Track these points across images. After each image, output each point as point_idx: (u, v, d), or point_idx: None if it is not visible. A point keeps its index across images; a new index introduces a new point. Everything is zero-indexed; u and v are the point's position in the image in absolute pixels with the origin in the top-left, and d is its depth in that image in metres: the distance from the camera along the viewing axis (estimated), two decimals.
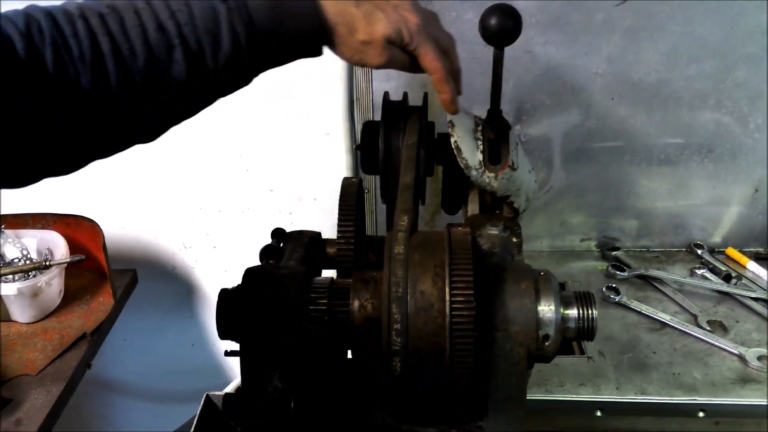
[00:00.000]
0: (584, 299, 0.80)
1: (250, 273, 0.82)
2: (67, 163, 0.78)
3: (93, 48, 0.73)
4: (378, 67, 0.90)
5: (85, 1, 0.77)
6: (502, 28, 1.03)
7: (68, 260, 1.60)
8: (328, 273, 1.05)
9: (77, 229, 1.68)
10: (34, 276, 1.58)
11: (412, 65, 0.94)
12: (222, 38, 0.78)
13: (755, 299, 1.54)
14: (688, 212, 1.74)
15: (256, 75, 0.85)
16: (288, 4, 0.82)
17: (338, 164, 1.76)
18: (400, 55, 0.91)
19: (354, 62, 0.90)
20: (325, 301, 0.80)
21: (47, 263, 1.59)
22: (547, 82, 1.59)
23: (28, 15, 0.72)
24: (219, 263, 2.00)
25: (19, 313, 1.60)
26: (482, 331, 0.75)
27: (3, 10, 0.73)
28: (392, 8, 0.89)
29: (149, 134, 0.82)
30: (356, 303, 0.79)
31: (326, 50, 0.89)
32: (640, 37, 1.52)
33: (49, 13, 0.73)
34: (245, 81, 0.85)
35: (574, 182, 1.71)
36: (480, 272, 0.76)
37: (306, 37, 0.84)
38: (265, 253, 0.96)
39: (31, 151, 0.73)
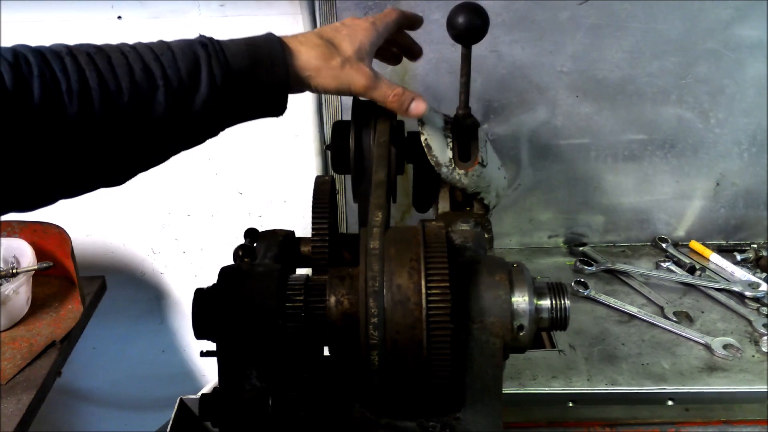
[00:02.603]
0: (557, 290, 0.82)
1: (225, 272, 0.82)
2: (31, 200, 0.79)
3: (80, 82, 0.75)
4: (366, 88, 0.95)
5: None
6: (470, 26, 1.04)
7: (36, 267, 1.57)
8: (303, 271, 1.06)
9: (44, 236, 1.66)
10: (1, 284, 1.56)
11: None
12: (201, 81, 0.82)
13: (719, 290, 1.58)
14: (653, 207, 1.77)
15: (225, 126, 0.90)
16: (262, 52, 0.87)
17: (308, 166, 1.76)
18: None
19: (341, 89, 0.94)
20: (302, 298, 0.80)
21: (14, 271, 1.56)
22: (514, 80, 1.61)
23: (16, 50, 0.74)
24: (189, 268, 1.98)
25: None
26: (458, 323, 0.76)
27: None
28: (345, 28, 0.97)
29: (119, 176, 0.85)
30: (333, 299, 0.80)
31: None
32: (603, 34, 1.55)
33: (37, 49, 0.76)
34: (215, 130, 0.89)
35: (542, 179, 1.74)
36: (455, 266, 0.78)
37: (278, 85, 0.89)
38: (239, 252, 0.96)
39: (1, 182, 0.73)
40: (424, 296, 0.73)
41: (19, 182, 0.74)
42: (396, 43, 1.11)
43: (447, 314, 0.73)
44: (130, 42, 0.83)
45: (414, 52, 1.15)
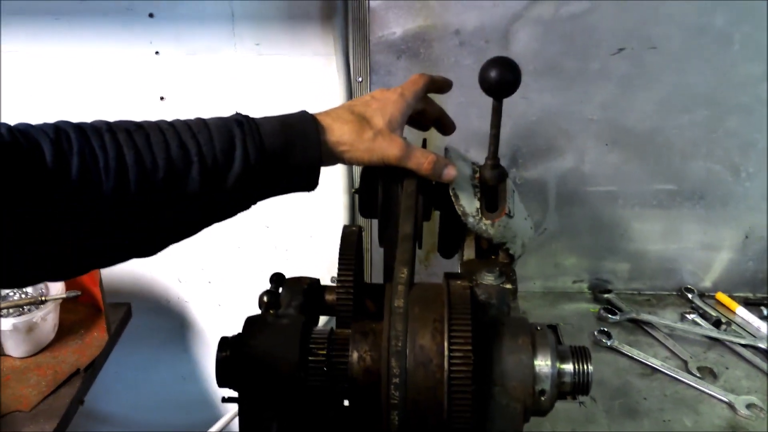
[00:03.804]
0: (580, 354, 0.82)
1: (250, 322, 0.84)
2: (63, 271, 0.81)
3: (118, 159, 0.77)
4: (400, 159, 0.96)
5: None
6: (501, 81, 1.05)
7: (64, 296, 1.60)
8: (326, 319, 1.07)
9: None
10: (30, 311, 1.58)
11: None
12: (235, 158, 0.83)
13: (745, 345, 1.56)
14: (680, 256, 1.76)
15: (257, 201, 0.92)
16: (296, 131, 0.89)
17: (335, 204, 1.78)
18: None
19: (374, 161, 0.96)
20: (325, 352, 0.81)
21: (43, 298, 1.59)
22: (543, 127, 1.61)
23: (58, 127, 0.76)
24: (213, 298, 2.00)
25: (13, 348, 1.60)
26: (479, 385, 0.76)
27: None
28: (375, 102, 0.97)
29: (152, 248, 0.86)
30: (355, 355, 0.80)
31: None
32: (634, 85, 1.55)
33: (78, 126, 0.78)
34: (247, 205, 0.91)
35: (568, 225, 1.73)
36: (477, 326, 0.78)
37: (310, 165, 0.90)
38: (263, 299, 0.97)
39: (40, 254, 0.75)
40: (446, 358, 0.73)
41: (52, 255, 0.76)
42: (426, 116, 1.10)
43: (468, 377, 0.73)
44: (159, 114, 0.84)
45: (445, 125, 1.14)
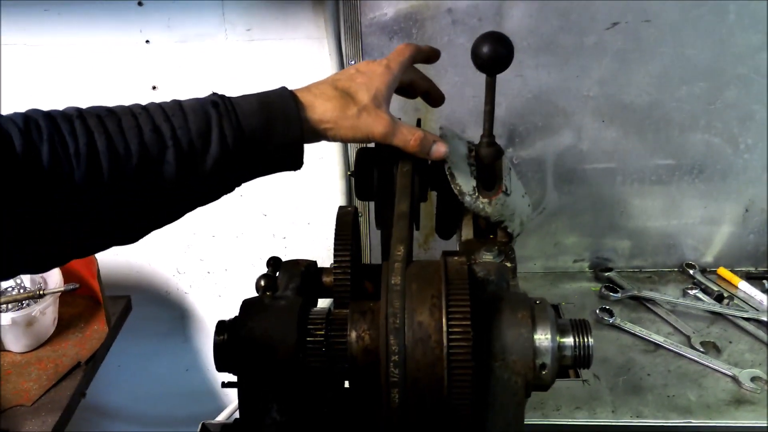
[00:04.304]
0: (580, 327, 0.81)
1: (247, 304, 0.83)
2: (42, 262, 0.79)
3: (89, 145, 0.75)
4: (385, 135, 0.93)
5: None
6: (494, 56, 1.03)
7: (63, 289, 1.59)
8: (324, 301, 1.06)
9: None
10: (28, 305, 1.58)
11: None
12: (212, 141, 0.81)
13: (747, 319, 1.55)
14: (680, 232, 1.75)
15: (240, 183, 0.88)
16: (276, 109, 0.86)
17: (332, 189, 1.77)
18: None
19: (359, 137, 0.93)
20: (323, 332, 0.80)
21: (41, 292, 1.58)
22: (539, 104, 1.60)
23: (27, 116, 0.75)
24: (213, 288, 2.00)
25: (13, 343, 1.59)
26: (480, 361, 0.76)
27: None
28: (360, 75, 0.94)
29: (132, 235, 0.84)
30: (354, 334, 0.79)
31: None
32: (630, 59, 1.54)
33: (48, 114, 0.76)
34: (230, 187, 0.88)
35: (567, 203, 1.72)
36: (477, 302, 0.77)
37: (292, 143, 0.87)
38: (261, 282, 0.96)
39: (14, 246, 0.73)
40: (445, 334, 0.72)
41: (30, 245, 0.74)
42: (414, 87, 1.07)
43: (468, 352, 0.72)
44: (146, 102, 0.82)
45: (434, 97, 1.11)
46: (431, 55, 1.08)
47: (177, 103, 0.83)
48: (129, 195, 0.78)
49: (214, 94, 0.86)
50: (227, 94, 0.87)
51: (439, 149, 0.99)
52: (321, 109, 0.90)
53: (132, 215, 0.81)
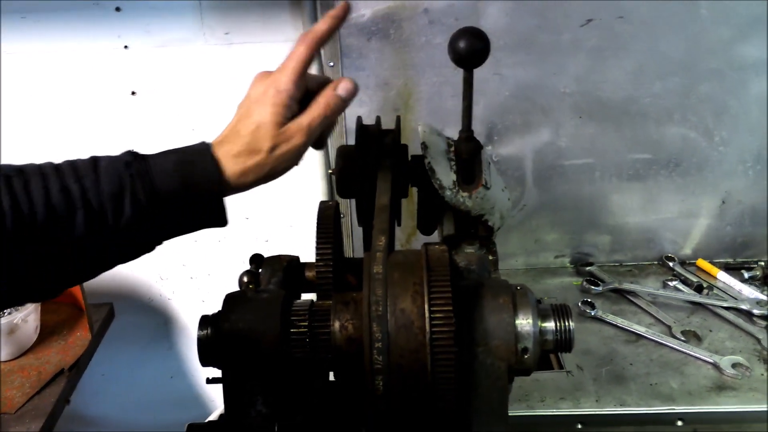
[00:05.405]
0: (561, 312, 0.82)
1: (230, 298, 0.83)
2: None
3: None
4: (307, 141, 0.89)
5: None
6: (471, 50, 1.05)
7: None
8: (308, 297, 1.07)
9: None
10: (10, 313, 1.57)
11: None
12: (125, 204, 0.79)
13: (727, 308, 1.57)
14: (659, 226, 1.78)
15: (161, 242, 0.86)
16: (195, 169, 0.82)
17: (313, 190, 1.77)
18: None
19: (292, 165, 0.89)
20: (306, 323, 0.80)
21: None
22: (517, 102, 1.62)
23: None
24: (196, 294, 1.99)
25: None
26: (462, 346, 0.76)
27: None
28: (253, 109, 0.88)
29: (48, 291, 0.83)
30: (337, 324, 0.80)
31: None
32: (605, 56, 1.56)
33: None
34: (149, 246, 0.85)
35: (547, 200, 1.74)
36: (458, 289, 0.78)
37: (211, 203, 0.85)
38: (243, 278, 0.96)
39: None
40: (427, 320, 0.73)
41: None
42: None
43: (451, 338, 0.73)
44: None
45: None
46: (333, 27, 0.93)
47: (93, 163, 0.81)
48: (38, 252, 0.78)
49: (130, 152, 0.83)
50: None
51: (347, 86, 0.92)
52: (240, 162, 0.85)
53: (44, 272, 0.80)
